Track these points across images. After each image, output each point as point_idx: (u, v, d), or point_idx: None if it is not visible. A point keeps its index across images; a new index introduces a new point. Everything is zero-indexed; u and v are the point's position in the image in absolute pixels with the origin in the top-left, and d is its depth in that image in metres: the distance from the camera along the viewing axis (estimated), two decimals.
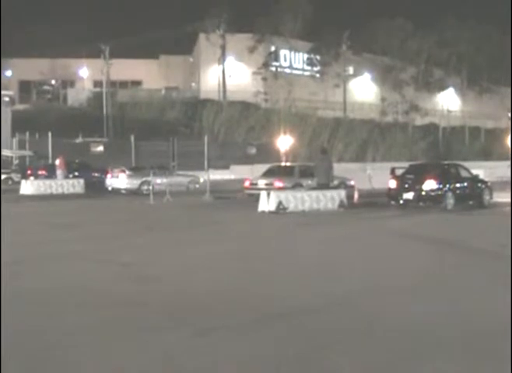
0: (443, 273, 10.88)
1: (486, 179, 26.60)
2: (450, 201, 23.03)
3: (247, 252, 13.35)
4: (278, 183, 25.88)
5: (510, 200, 24.94)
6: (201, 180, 33.93)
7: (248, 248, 14.09)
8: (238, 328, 7.32)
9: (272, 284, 9.85)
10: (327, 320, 7.69)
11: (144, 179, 31.32)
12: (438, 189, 23.01)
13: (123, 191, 32.30)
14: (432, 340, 6.81)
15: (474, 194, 24.53)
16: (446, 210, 22.35)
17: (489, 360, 6.23)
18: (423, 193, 22.96)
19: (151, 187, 28.65)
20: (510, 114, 68.30)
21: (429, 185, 22.93)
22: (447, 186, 23.27)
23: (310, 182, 25.28)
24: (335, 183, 25.61)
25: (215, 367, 6.06)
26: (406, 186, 23.35)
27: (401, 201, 23.21)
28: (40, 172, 35.72)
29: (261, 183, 26.65)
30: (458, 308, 8.25)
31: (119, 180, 32.79)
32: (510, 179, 39.99)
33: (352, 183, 28.67)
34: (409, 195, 23.10)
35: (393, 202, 23.54)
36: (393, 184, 23.68)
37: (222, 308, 8.24)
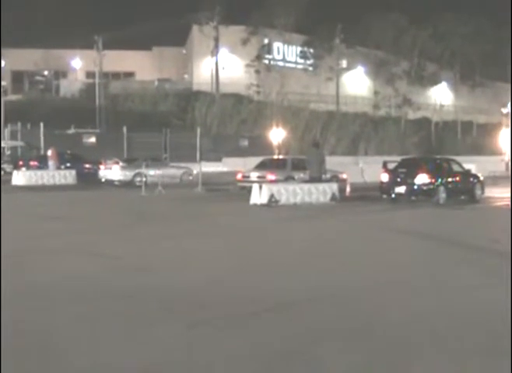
0: (434, 268, 10.93)
1: (479, 174, 26.66)
2: (442, 195, 23.07)
3: (237, 245, 13.38)
4: (270, 176, 25.88)
5: (501, 195, 25.04)
6: (195, 172, 33.88)
7: (239, 241, 14.12)
8: (231, 321, 7.35)
9: (263, 278, 9.88)
10: (318, 316, 7.72)
11: (137, 170, 31.25)
12: (430, 183, 23.04)
13: (116, 183, 32.26)
14: (428, 335, 6.86)
15: (466, 189, 24.59)
16: (438, 205, 22.41)
17: (488, 357, 6.27)
18: (415, 187, 23.00)
19: (144, 179, 28.65)
20: (508, 109, 68.19)
21: (422, 179, 22.96)
22: (440, 180, 23.30)
23: (302, 175, 25.30)
24: (328, 176, 25.65)
25: (209, 361, 6.09)
26: (398, 180, 23.38)
27: (393, 195, 23.26)
28: (31, 163, 35.60)
29: (254, 175, 26.60)
30: (449, 305, 8.30)
31: (112, 172, 32.74)
32: (501, 174, 40.27)
33: (345, 176, 28.74)
34: (401, 189, 23.14)
35: (385, 196, 23.59)
36: (385, 178, 23.72)
37: (214, 302, 8.26)
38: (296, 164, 27.23)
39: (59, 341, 6.58)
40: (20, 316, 7.45)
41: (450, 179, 23.89)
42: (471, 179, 24.99)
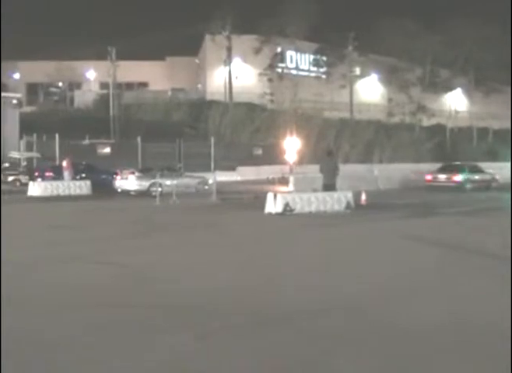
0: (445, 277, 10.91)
1: None
2: None
3: (251, 254, 13.38)
4: (456, 178, 33.08)
5: None
6: (210, 182, 33.85)
7: (253, 249, 14.12)
8: (244, 330, 7.36)
9: (274, 287, 9.88)
10: (330, 325, 7.71)
11: (154, 180, 31.32)
12: None
13: (132, 193, 32.33)
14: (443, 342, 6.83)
15: None
16: None
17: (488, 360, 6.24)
18: None
19: (159, 189, 28.79)
20: None
21: None
22: None
23: (476, 177, 33.38)
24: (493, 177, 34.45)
25: (217, 370, 6.10)
26: None
27: None
28: (47, 174, 35.80)
29: (442, 177, 33.14)
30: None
31: (128, 182, 32.86)
32: None
33: (497, 176, 35.43)
34: None
35: None
36: None
37: (226, 310, 8.27)
38: (471, 169, 34.52)
39: (62, 347, 6.61)
40: (31, 323, 7.50)
41: None
42: None
